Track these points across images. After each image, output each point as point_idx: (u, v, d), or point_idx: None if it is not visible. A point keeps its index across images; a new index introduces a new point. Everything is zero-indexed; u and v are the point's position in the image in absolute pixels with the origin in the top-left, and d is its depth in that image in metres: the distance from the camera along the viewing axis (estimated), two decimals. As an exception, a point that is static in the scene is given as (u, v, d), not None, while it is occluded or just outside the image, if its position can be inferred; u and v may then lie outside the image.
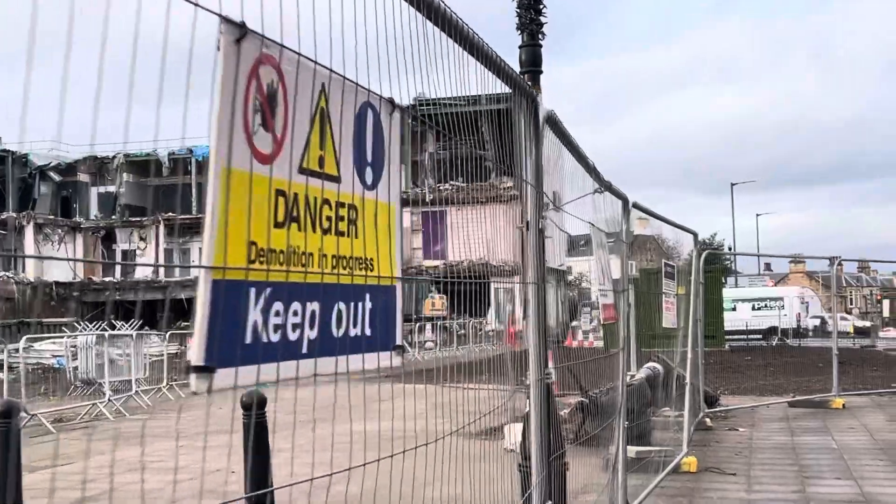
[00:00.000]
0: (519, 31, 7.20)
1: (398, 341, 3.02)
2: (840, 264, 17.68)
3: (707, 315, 32.85)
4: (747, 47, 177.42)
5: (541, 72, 6.98)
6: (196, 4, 2.02)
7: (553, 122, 4.37)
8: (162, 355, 28.62)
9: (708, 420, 13.76)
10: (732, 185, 70.00)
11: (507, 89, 4.78)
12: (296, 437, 11.79)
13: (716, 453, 11.48)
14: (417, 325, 46.19)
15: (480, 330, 50.25)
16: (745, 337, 45.17)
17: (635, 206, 7.11)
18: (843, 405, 16.05)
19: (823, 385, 19.57)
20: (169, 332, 36.03)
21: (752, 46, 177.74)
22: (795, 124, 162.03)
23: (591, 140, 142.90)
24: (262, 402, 6.83)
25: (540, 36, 7.10)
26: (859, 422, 14.19)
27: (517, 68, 6.82)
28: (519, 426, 12.19)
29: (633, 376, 15.85)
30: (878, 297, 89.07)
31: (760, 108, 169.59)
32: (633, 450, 10.29)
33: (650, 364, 15.89)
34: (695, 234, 11.95)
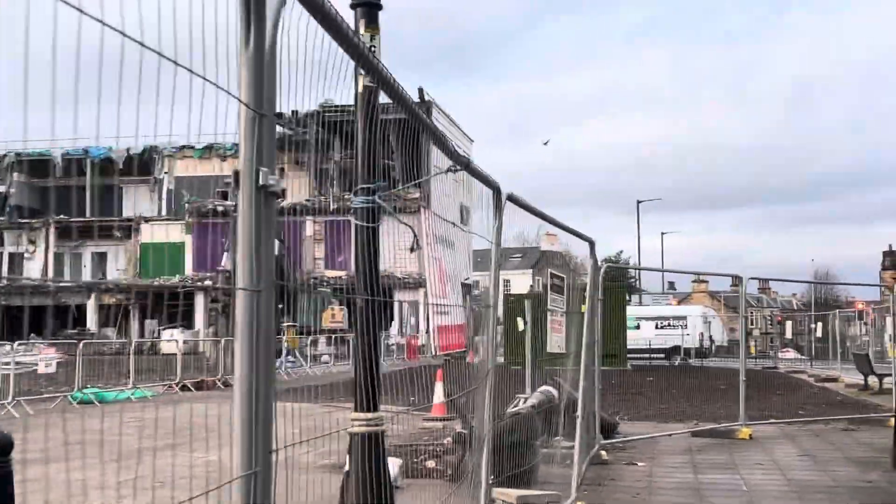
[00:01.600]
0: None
1: None
2: (745, 284, 16.48)
3: (609, 334, 31.76)
4: (664, 78, 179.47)
5: (379, 7, 5.25)
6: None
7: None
8: (32, 366, 26.41)
9: (604, 453, 12.31)
10: (639, 202, 69.68)
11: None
12: (131, 465, 10.04)
13: (611, 495, 10.02)
14: (310, 338, 44.37)
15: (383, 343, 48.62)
16: (649, 356, 44.31)
17: (511, 198, 5.56)
18: (750, 435, 14.81)
19: (728, 411, 18.40)
20: (49, 342, 33.51)
21: (668, 77, 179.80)
22: (704, 150, 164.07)
23: (509, 160, 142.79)
24: (8, 446, 5.15)
25: (379, -45, 5.43)
26: (769, 456, 12.91)
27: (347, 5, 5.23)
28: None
29: (525, 399, 14.38)
30: (780, 319, 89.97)
31: (673, 135, 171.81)
32: (512, 494, 8.77)
33: (544, 388, 14.45)
34: (591, 242, 10.37)
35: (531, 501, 8.80)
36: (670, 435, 14.88)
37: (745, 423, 15.11)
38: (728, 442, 14.42)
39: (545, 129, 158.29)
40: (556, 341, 9.64)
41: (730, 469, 11.78)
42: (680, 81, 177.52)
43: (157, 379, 26.17)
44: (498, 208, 5.28)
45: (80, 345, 22.97)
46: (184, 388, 25.11)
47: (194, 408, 16.54)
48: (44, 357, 24.16)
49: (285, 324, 43.58)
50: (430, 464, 11.33)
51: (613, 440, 13.54)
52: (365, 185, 4.61)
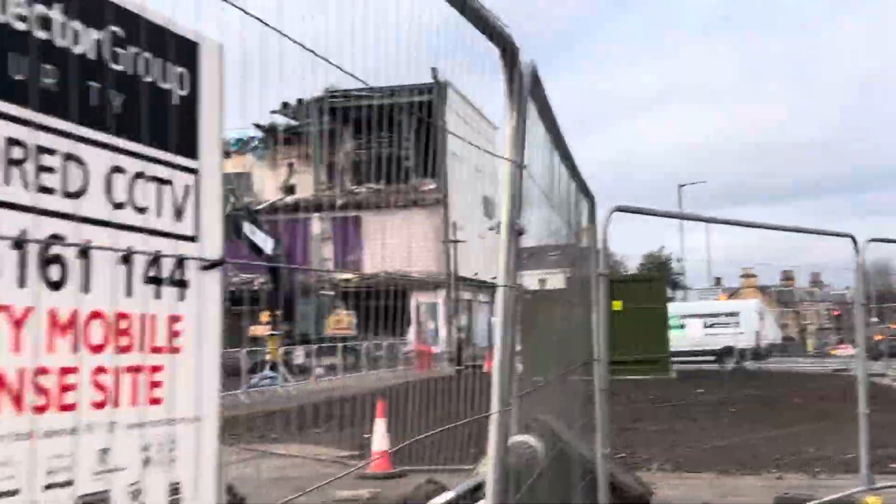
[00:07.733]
0: None
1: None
2: (861, 252, 10.14)
3: (647, 336, 25.25)
4: (728, 70, 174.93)
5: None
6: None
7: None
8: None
9: (621, 579, 6.18)
10: (680, 186, 63.06)
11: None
12: None
13: None
14: (316, 346, 38.47)
15: (394, 352, 42.41)
16: (697, 359, 37.98)
17: None
18: (880, 508, 8.66)
19: (819, 445, 12.33)
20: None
21: (733, 69, 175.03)
22: (764, 145, 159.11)
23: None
24: None
25: None
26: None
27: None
28: None
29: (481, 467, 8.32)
30: (837, 313, 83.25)
31: (731, 129, 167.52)
32: None
33: (519, 439, 8.38)
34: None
35: None
36: (742, 509, 8.72)
37: (869, 487, 8.90)
38: (845, 523, 8.28)
39: (605, 123, 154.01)
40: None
41: None
42: (748, 78, 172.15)
43: None
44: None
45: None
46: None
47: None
48: None
49: (267, 333, 37.73)
50: None
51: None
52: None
